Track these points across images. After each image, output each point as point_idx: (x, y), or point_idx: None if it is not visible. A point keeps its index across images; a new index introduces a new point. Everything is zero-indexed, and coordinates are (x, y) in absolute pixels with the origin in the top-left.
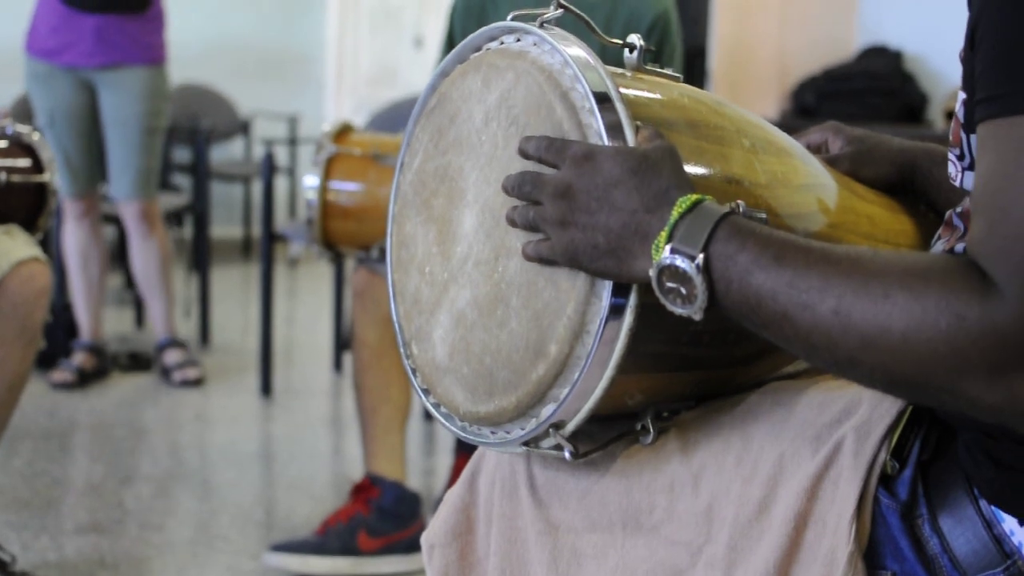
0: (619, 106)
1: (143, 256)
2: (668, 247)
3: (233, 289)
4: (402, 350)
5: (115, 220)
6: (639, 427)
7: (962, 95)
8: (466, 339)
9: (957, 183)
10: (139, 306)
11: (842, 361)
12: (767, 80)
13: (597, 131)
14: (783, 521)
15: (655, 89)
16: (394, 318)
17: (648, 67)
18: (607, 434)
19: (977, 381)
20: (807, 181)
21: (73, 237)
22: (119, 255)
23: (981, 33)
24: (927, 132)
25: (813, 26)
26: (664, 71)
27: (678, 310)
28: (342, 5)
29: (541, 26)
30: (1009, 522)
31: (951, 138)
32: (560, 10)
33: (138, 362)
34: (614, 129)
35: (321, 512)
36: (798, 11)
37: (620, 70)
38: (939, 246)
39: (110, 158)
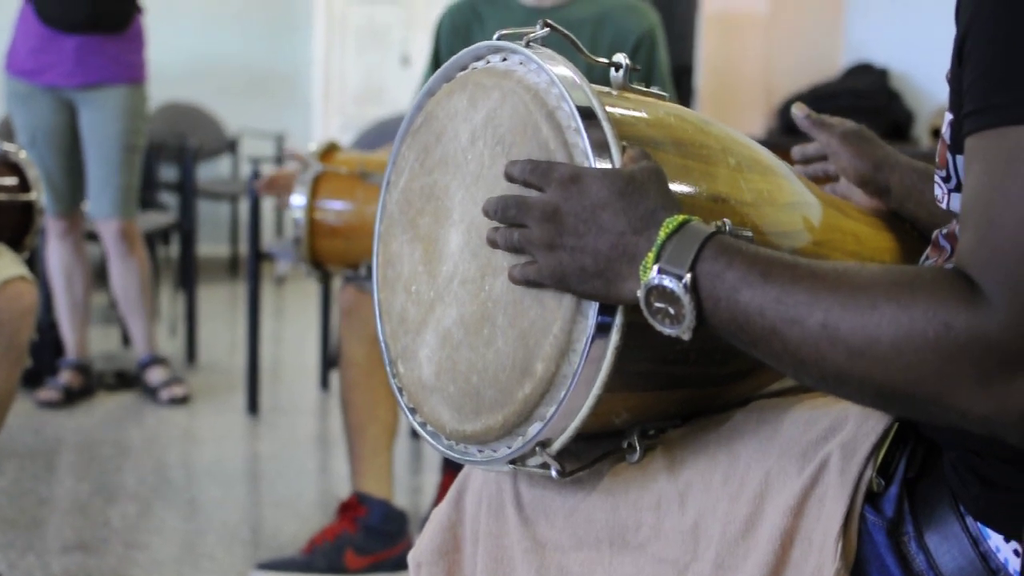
0: (605, 125)
1: (123, 275)
2: (655, 267)
3: (220, 307)
4: (388, 369)
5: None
6: (625, 445)
7: (948, 116)
8: (452, 358)
9: (944, 205)
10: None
11: (830, 376)
12: (753, 98)
13: (583, 150)
14: (769, 539)
15: (641, 108)
16: (380, 337)
17: (634, 86)
18: (593, 452)
19: (966, 390)
20: (792, 199)
21: (56, 255)
22: (104, 273)
23: (969, 47)
24: (913, 150)
25: (799, 44)
26: (650, 90)
27: (667, 330)
28: (329, 24)
29: (527, 45)
30: (995, 539)
31: (937, 160)
32: (546, 29)
33: (124, 380)
34: (600, 148)
35: (308, 531)
36: (784, 29)
37: (606, 89)
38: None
39: (89, 177)
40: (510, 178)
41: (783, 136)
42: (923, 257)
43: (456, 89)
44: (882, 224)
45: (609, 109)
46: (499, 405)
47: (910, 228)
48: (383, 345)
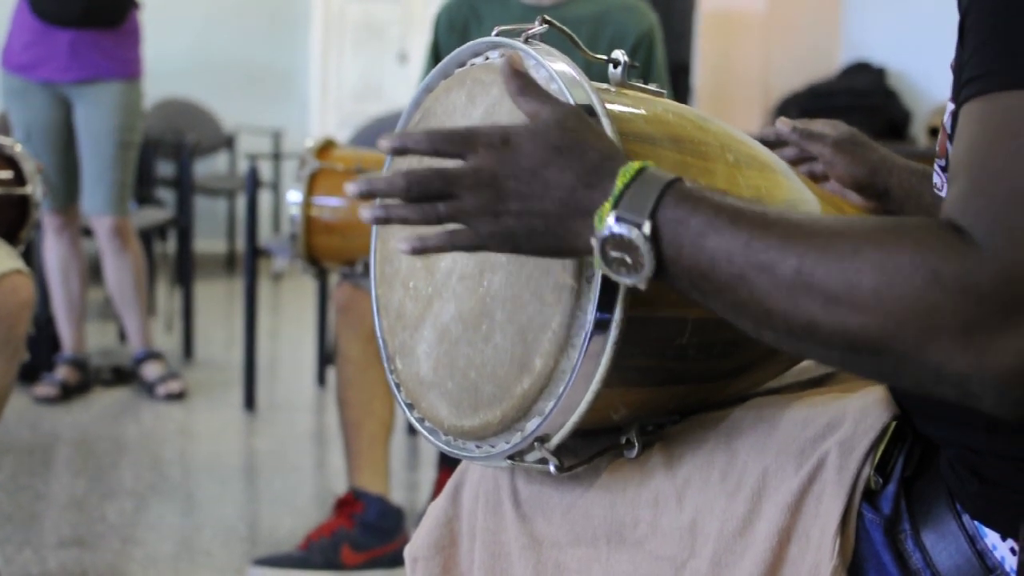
0: (604, 120)
1: (117, 271)
2: (612, 215)
3: (217, 304)
4: (386, 365)
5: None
6: (623, 441)
7: (950, 106)
8: (451, 353)
9: (942, 193)
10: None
11: (798, 327)
12: (751, 96)
13: None
14: (767, 536)
15: (639, 104)
16: (378, 333)
17: (632, 83)
18: (591, 448)
19: (946, 343)
20: (790, 196)
21: (53, 251)
22: (100, 269)
23: (970, 22)
24: (910, 148)
25: (797, 43)
26: (648, 87)
27: (624, 279)
28: (326, 20)
29: (526, 41)
30: (991, 537)
31: (937, 149)
32: (545, 26)
33: (121, 376)
34: None
35: (304, 526)
36: (782, 28)
37: (605, 85)
38: None
39: (84, 173)
40: (416, 151)
41: None
42: None
43: (454, 85)
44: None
45: (608, 105)
46: (497, 401)
47: None
48: (381, 341)
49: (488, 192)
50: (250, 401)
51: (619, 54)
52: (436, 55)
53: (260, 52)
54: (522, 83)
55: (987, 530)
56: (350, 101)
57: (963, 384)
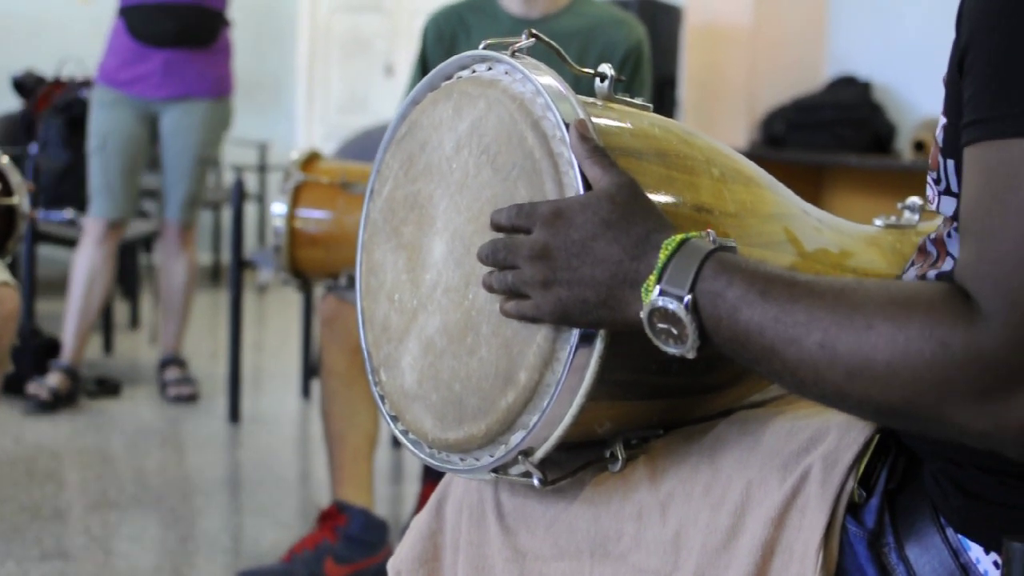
0: (592, 134)
1: (171, 274)
2: (657, 288)
3: (202, 315)
4: (371, 377)
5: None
6: (608, 454)
7: (942, 120)
8: (435, 366)
9: (934, 206)
10: (108, 332)
11: (830, 394)
12: (736, 110)
13: (569, 159)
14: (750, 550)
15: (625, 118)
16: (363, 345)
17: (619, 96)
18: (576, 462)
19: (964, 408)
20: (776, 211)
21: (86, 258)
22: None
23: (972, 58)
24: (895, 163)
25: (782, 56)
26: (634, 101)
27: (671, 350)
28: (313, 32)
29: (513, 55)
30: (975, 550)
31: (930, 162)
32: (532, 39)
33: (105, 387)
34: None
35: (288, 539)
36: (767, 41)
37: (591, 99)
38: (911, 272)
39: (163, 180)
40: (497, 227)
41: (766, 148)
42: (908, 263)
43: (441, 98)
44: (870, 237)
45: (595, 120)
46: (482, 413)
47: (900, 241)
48: (365, 353)
49: (542, 264)
50: (234, 413)
51: (606, 68)
52: (423, 67)
53: (246, 64)
54: (590, 148)
55: (970, 544)
56: (336, 113)
57: (986, 441)
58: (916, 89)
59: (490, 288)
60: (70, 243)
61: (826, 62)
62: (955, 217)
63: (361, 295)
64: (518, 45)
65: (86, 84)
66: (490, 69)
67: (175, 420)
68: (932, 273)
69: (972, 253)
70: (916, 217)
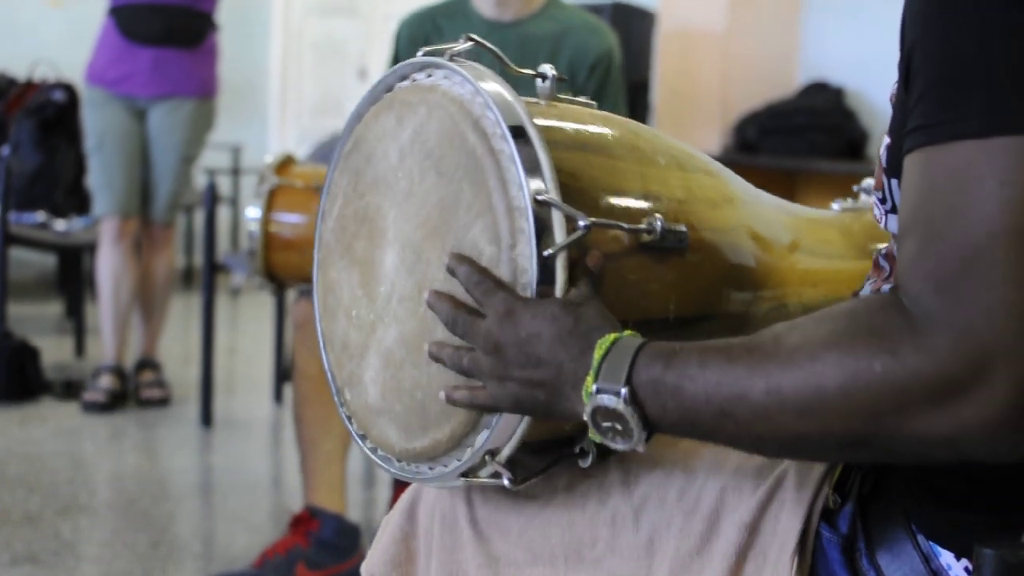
0: (531, 131)
1: (146, 275)
2: (595, 387)
3: (174, 319)
4: (336, 399)
5: (59, 247)
6: (577, 450)
7: (887, 139)
8: (396, 377)
9: (882, 225)
10: (79, 335)
11: (788, 442)
12: (709, 115)
13: (511, 155)
14: (724, 555)
15: (567, 116)
16: (326, 367)
17: (561, 96)
18: (545, 461)
19: (924, 415)
20: (727, 196)
21: (107, 260)
22: (61, 282)
23: (915, 67)
24: (867, 168)
25: (756, 62)
26: (578, 99)
27: (619, 446)
28: (286, 35)
29: (451, 59)
30: (946, 556)
31: (874, 182)
32: (470, 43)
33: (74, 391)
34: (528, 155)
35: (259, 544)
36: (741, 47)
37: (533, 99)
38: (867, 287)
39: (148, 180)
40: (452, 272)
41: (739, 153)
42: (866, 277)
43: (383, 110)
44: (827, 219)
45: (538, 120)
46: (445, 418)
47: (855, 222)
48: (329, 375)
49: (494, 358)
50: (207, 417)
51: (546, 68)
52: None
53: (220, 67)
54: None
55: (942, 550)
56: (309, 117)
57: (952, 446)
58: (889, 96)
59: (439, 359)
60: (41, 246)
61: (799, 68)
62: None
63: (320, 316)
64: (456, 49)
65: (58, 86)
66: (429, 76)
67: (147, 424)
68: (886, 287)
69: (914, 252)
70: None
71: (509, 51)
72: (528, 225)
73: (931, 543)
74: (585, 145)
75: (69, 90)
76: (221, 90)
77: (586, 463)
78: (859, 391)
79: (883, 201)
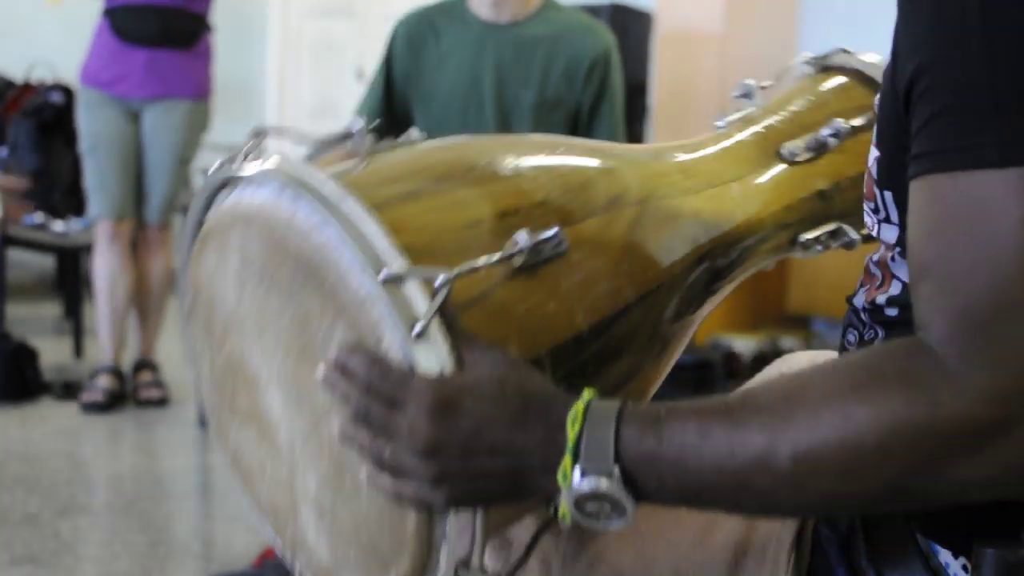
0: (347, 205)
1: (143, 277)
2: (577, 471)
3: (172, 319)
4: (291, 567)
5: (57, 248)
6: (552, 511)
7: (875, 152)
8: (335, 523)
9: (875, 233)
10: (78, 336)
11: (816, 504)
12: (707, 116)
13: (336, 242)
14: (723, 548)
15: (386, 168)
16: (273, 541)
17: (381, 144)
18: (527, 533)
19: (966, 460)
20: (589, 175)
21: (103, 261)
22: (59, 283)
23: (922, 88)
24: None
25: (753, 63)
26: (399, 141)
27: (610, 526)
28: (284, 37)
29: (240, 165)
30: (944, 555)
31: (865, 191)
32: (258, 137)
33: (72, 391)
34: (353, 232)
35: (259, 544)
36: (738, 48)
37: (345, 165)
38: (860, 295)
39: (143, 182)
40: (343, 370)
41: None
42: (859, 284)
43: (202, 248)
44: (722, 151)
45: (352, 187)
46: (398, 547)
47: (752, 146)
48: (277, 547)
49: (430, 461)
50: (205, 417)
51: (356, 124)
52: (388, 69)
53: (217, 68)
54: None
55: (940, 548)
56: (307, 118)
57: (992, 487)
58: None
59: (350, 444)
60: (39, 247)
61: None
62: (898, 243)
63: (243, 488)
64: (244, 149)
65: (56, 88)
66: (230, 193)
67: (146, 424)
68: (881, 297)
69: (937, 290)
70: (754, 102)
71: (506, 53)
72: (386, 310)
73: (930, 541)
74: (416, 192)
75: (66, 92)
76: (218, 91)
77: (567, 522)
78: (899, 444)
79: (876, 211)
